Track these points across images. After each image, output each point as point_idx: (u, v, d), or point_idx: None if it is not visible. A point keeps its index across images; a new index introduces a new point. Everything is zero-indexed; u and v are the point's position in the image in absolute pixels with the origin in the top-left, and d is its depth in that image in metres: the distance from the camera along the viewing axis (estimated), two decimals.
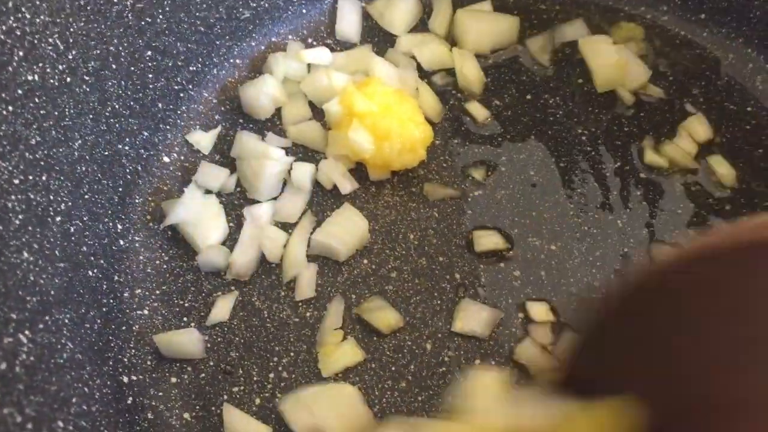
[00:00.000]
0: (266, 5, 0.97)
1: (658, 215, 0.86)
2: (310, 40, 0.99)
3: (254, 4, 0.96)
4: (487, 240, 0.84)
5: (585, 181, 0.88)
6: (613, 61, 0.93)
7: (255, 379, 0.77)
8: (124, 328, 0.78)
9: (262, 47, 0.98)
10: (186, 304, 0.81)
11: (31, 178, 0.68)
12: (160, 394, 0.76)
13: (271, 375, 0.77)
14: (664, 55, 0.97)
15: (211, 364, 0.78)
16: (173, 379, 0.77)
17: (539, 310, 0.79)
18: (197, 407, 0.76)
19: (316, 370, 0.77)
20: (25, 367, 0.58)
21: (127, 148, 0.84)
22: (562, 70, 0.95)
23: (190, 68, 0.92)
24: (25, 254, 0.65)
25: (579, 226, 0.85)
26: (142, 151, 0.86)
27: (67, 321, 0.68)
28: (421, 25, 1.00)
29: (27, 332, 0.61)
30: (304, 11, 1.00)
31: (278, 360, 0.78)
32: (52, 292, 0.67)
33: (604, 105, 0.93)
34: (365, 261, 0.83)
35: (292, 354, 0.78)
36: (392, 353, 0.78)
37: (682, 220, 0.85)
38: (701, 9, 0.98)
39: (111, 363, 0.74)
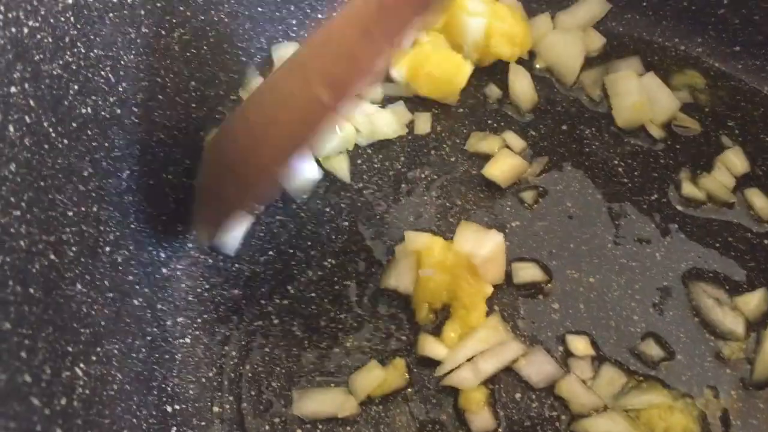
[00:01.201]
0: (304, 35, 0.98)
1: (696, 248, 0.86)
2: None
3: (293, 35, 0.97)
4: (526, 272, 0.84)
5: (623, 214, 0.88)
6: (632, 103, 0.93)
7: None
8: (167, 356, 0.79)
9: None
10: (227, 333, 0.82)
11: (83, 209, 0.68)
12: (203, 423, 0.77)
13: None
14: (699, 89, 0.97)
15: (252, 393, 0.78)
16: (215, 409, 0.78)
17: (579, 344, 0.79)
18: None
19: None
20: (81, 400, 0.59)
21: (170, 177, 0.85)
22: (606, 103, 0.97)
23: (231, 97, 0.93)
24: (78, 286, 0.65)
25: (617, 258, 0.85)
26: (185, 179, 0.87)
27: (116, 351, 0.69)
28: None
29: (82, 365, 0.61)
30: None
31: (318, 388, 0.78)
32: (102, 323, 0.68)
33: (639, 137, 0.94)
34: None
35: (332, 384, 0.78)
36: (433, 386, 0.78)
37: (721, 253, 0.86)
38: (736, 41, 0.99)
39: (156, 393, 0.74)
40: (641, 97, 0.94)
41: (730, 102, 0.97)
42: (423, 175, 0.91)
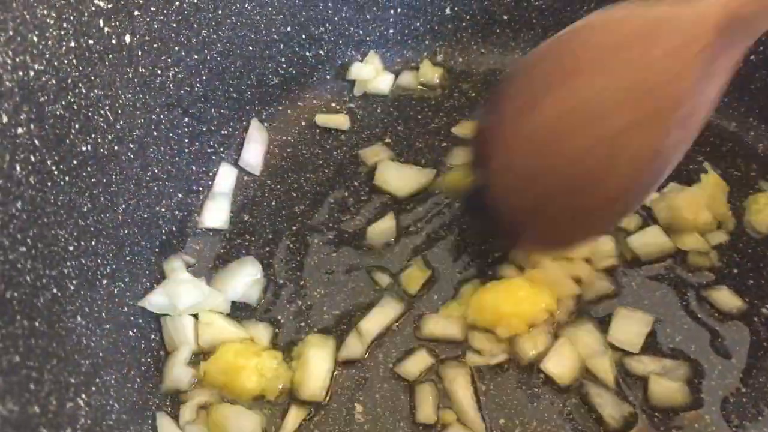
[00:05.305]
0: (294, 72, 1.02)
1: None
2: (333, 105, 1.04)
3: (282, 72, 1.01)
4: None
5: None
6: None
7: None
8: (161, 385, 0.80)
9: (288, 111, 1.03)
10: None
11: (83, 243, 0.71)
12: None
13: None
14: None
15: None
16: None
17: None
18: None
19: None
20: (84, 430, 0.61)
21: (163, 210, 0.87)
22: None
23: (222, 132, 0.96)
24: (79, 318, 0.68)
25: None
26: (177, 212, 0.90)
27: (113, 382, 0.71)
28: None
29: (83, 395, 0.63)
30: (327, 77, 1.06)
31: None
32: (101, 354, 0.70)
33: None
34: None
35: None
36: None
37: None
38: None
39: (150, 422, 0.76)
40: None
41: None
42: None
